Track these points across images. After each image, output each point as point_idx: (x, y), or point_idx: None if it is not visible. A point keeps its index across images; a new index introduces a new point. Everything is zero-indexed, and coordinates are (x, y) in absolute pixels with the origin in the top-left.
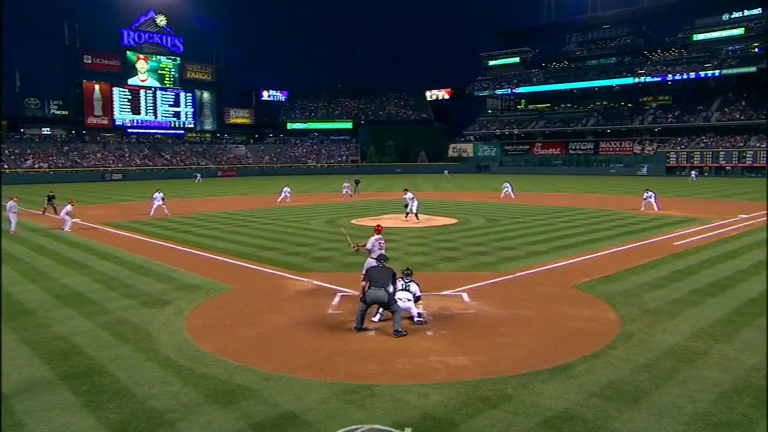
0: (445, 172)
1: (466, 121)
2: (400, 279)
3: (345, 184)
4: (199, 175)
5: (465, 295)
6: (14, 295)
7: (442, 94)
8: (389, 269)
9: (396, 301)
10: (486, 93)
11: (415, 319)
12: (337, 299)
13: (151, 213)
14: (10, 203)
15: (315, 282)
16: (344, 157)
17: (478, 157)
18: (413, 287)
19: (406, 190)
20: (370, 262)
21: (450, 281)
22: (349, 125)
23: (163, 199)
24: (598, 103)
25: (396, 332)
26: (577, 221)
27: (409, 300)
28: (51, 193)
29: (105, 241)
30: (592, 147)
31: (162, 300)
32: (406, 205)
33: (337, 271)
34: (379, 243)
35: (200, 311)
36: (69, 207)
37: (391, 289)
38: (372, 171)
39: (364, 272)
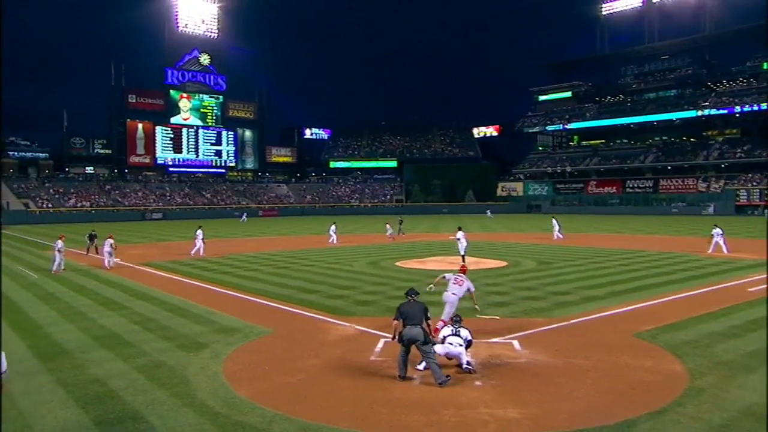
0: (488, 212)
1: (515, 159)
2: (449, 326)
3: (387, 225)
4: (245, 214)
5: (516, 343)
6: (52, 336)
7: (490, 130)
8: (420, 303)
9: (431, 342)
10: (536, 129)
11: (464, 366)
12: (380, 345)
13: (200, 252)
14: (59, 243)
15: (357, 327)
16: (388, 197)
17: (529, 196)
18: (464, 332)
19: (459, 228)
20: (448, 295)
21: (499, 327)
22: (393, 164)
23: (203, 240)
24: (657, 138)
25: (440, 383)
26: (636, 264)
27: (460, 345)
28: (93, 232)
29: (144, 281)
30: (651, 185)
31: (199, 343)
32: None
33: (380, 315)
34: (456, 279)
35: (239, 355)
36: (110, 241)
37: (426, 325)
38: (417, 211)
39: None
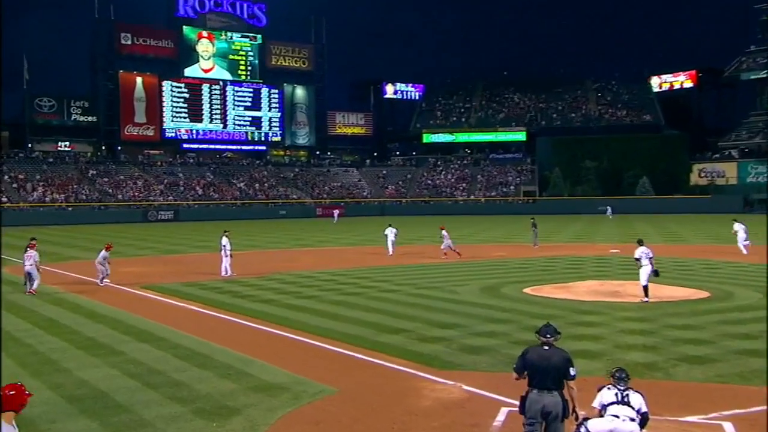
0: (608, 210)
1: (723, 125)
2: (611, 387)
3: (443, 231)
4: (337, 212)
5: (728, 426)
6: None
7: (681, 80)
8: (559, 351)
9: (577, 417)
10: (764, 74)
11: None
12: (502, 416)
13: (227, 270)
14: (103, 253)
15: (466, 387)
16: (513, 187)
17: (746, 185)
18: (635, 399)
19: (640, 242)
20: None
21: (698, 398)
22: (520, 136)
23: (230, 252)
24: None
25: None
26: None
27: (632, 420)
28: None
29: (145, 312)
30: None
31: (228, 408)
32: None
33: (501, 369)
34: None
35: (286, 427)
36: (104, 253)
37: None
38: (558, 208)
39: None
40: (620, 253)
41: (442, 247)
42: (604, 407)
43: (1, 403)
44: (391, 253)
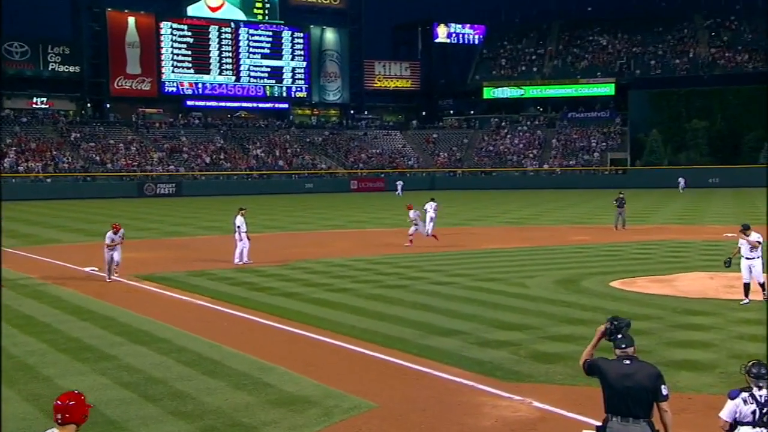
0: (680, 182)
1: None
2: (749, 398)
3: (411, 211)
4: (401, 184)
5: None
6: None
7: None
8: (645, 365)
9: None
10: None
11: None
12: None
13: (243, 255)
14: (109, 235)
15: (536, 403)
16: (596, 154)
17: None
18: None
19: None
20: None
21: None
22: (607, 89)
23: (246, 234)
24: None
25: None
26: None
27: None
28: None
29: (141, 308)
30: None
31: (242, 426)
32: None
33: (581, 381)
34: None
35: None
36: (113, 236)
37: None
38: (654, 181)
39: (583, 364)
40: (736, 238)
41: (410, 231)
42: (736, 426)
43: (65, 414)
44: (428, 233)
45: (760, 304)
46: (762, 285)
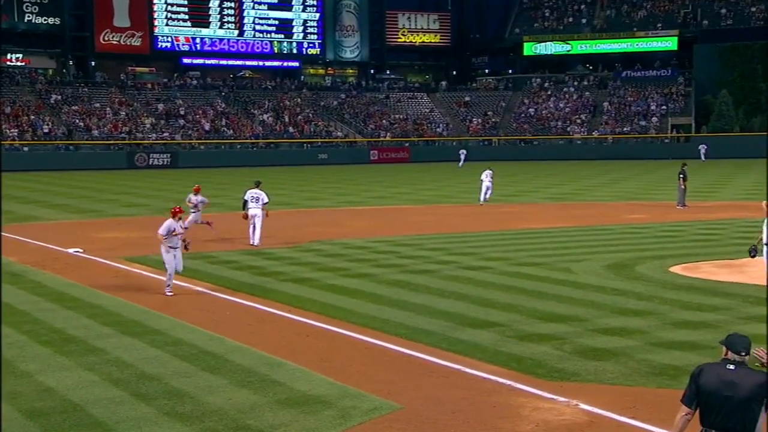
0: (701, 149)
1: None
2: None
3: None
4: (464, 153)
5: None
6: None
7: None
8: (755, 373)
9: None
10: None
11: None
12: None
13: (251, 238)
14: (169, 224)
15: (583, 405)
16: (655, 119)
17: None
18: None
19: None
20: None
21: None
22: (668, 43)
23: (263, 204)
24: None
25: None
26: None
27: None
28: None
29: (134, 295)
30: None
31: (248, 428)
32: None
33: (636, 381)
34: None
35: None
36: (170, 223)
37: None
38: (724, 150)
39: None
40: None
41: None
42: None
43: None
44: (481, 201)
45: None
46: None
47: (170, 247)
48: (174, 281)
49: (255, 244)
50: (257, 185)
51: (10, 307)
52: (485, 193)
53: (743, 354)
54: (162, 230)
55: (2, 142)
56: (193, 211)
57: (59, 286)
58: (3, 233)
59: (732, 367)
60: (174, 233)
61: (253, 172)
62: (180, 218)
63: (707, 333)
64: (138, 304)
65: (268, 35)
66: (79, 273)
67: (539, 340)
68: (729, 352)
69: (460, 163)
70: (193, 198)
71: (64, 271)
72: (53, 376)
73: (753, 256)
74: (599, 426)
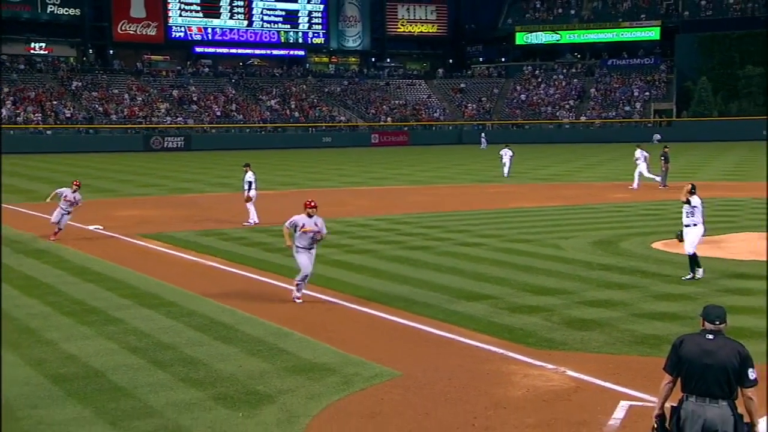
0: (655, 137)
1: None
2: None
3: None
4: (485, 135)
5: None
6: None
7: None
8: (731, 342)
9: None
10: None
11: None
12: (620, 413)
13: (253, 216)
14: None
15: (570, 372)
16: (639, 105)
17: None
18: None
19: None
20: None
21: None
22: (651, 33)
23: (255, 190)
24: None
25: None
26: None
27: None
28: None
29: (150, 269)
30: None
31: (257, 394)
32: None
33: (620, 350)
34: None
35: (332, 420)
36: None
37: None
38: (703, 134)
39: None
40: None
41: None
42: None
43: None
44: (506, 174)
45: None
46: None
47: (299, 248)
48: (186, 256)
49: (257, 222)
50: (246, 167)
51: (35, 280)
52: (507, 170)
53: (717, 323)
54: (288, 224)
55: (27, 126)
56: (64, 210)
57: (81, 260)
58: (28, 211)
59: (710, 336)
60: (303, 228)
61: (262, 154)
62: (310, 215)
63: (686, 305)
64: (153, 277)
65: (276, 25)
66: (99, 248)
67: (529, 311)
68: (705, 323)
69: (483, 145)
70: (70, 195)
71: (85, 246)
72: (76, 344)
73: (681, 241)
74: (585, 391)
